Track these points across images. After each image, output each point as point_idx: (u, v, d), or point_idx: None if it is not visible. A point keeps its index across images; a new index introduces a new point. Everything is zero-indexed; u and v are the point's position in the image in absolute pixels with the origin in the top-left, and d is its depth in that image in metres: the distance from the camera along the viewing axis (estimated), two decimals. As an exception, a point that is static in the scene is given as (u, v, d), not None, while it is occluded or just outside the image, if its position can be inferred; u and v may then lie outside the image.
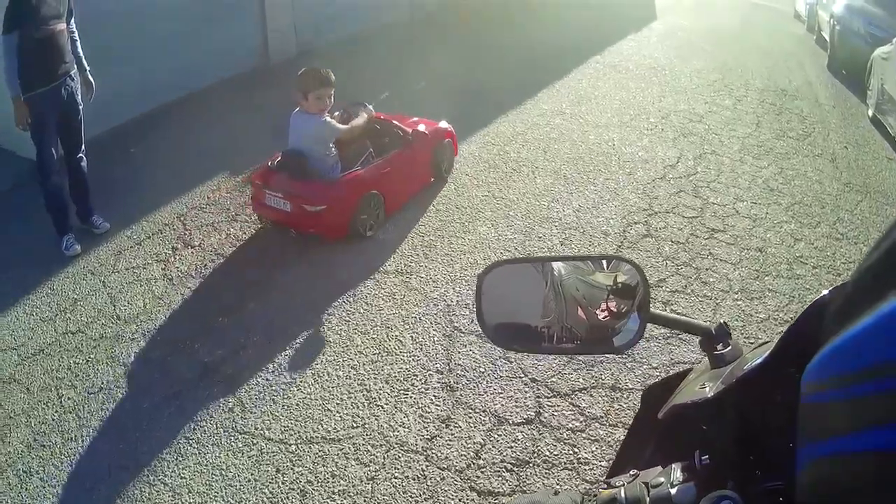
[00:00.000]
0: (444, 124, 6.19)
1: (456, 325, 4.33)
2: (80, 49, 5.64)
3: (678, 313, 4.43)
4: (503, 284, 1.33)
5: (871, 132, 8.62)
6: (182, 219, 5.80)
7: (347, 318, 4.46)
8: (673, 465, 1.07)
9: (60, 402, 4.00)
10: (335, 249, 5.16)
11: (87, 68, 5.68)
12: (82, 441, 3.72)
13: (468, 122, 7.43)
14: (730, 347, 1.22)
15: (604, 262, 1.37)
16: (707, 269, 4.95)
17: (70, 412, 3.91)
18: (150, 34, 7.71)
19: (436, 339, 4.24)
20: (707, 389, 1.09)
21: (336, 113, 5.51)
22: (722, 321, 1.26)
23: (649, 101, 8.63)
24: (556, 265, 1.34)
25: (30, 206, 5.80)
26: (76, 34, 5.61)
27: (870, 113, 9.08)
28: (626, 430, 1.53)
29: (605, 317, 1.30)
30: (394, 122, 5.85)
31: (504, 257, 4.86)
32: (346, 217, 5.24)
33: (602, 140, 7.11)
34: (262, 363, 4.14)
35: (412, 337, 4.26)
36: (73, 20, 5.56)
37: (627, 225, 5.46)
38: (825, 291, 0.85)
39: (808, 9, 16.40)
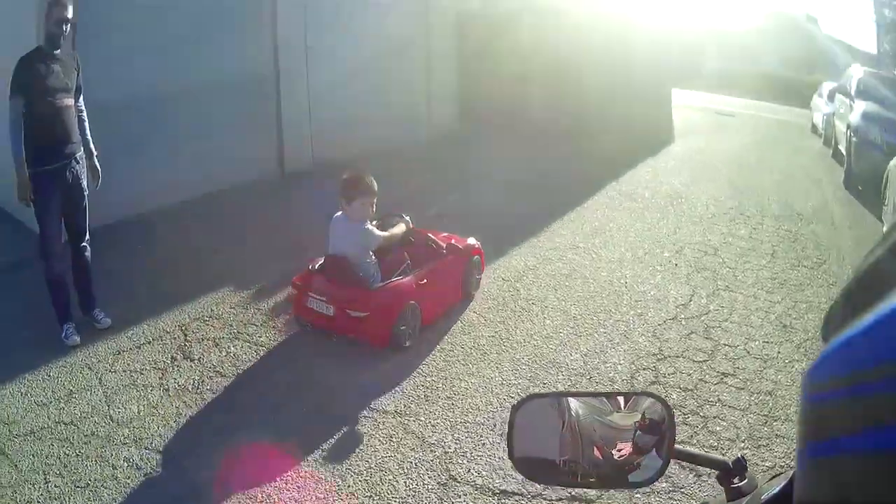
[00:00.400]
0: (472, 241, 6.51)
1: (452, 473, 4.29)
2: (88, 131, 5.61)
3: (696, 448, 4.40)
4: (532, 417, 1.39)
5: (889, 255, 8.61)
6: (184, 329, 5.88)
7: (341, 457, 4.42)
8: None
9: (47, 486, 4.02)
10: (334, 386, 5.18)
11: (95, 153, 5.65)
12: None
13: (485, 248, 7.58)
14: (746, 481, 1.25)
15: (623, 398, 1.42)
16: (715, 417, 4.93)
17: (56, 499, 3.93)
18: (167, 133, 8.03)
19: (430, 486, 4.19)
20: None
21: (374, 221, 5.72)
22: (740, 454, 1.30)
23: (664, 234, 8.75)
24: (573, 403, 1.39)
25: (33, 284, 5.88)
26: (84, 114, 5.60)
27: (885, 230, 9.08)
28: None
29: (622, 455, 1.33)
30: (429, 235, 6.20)
31: (506, 404, 4.92)
32: (389, 325, 5.38)
33: (614, 277, 7.20)
34: (251, 491, 4.11)
35: (406, 483, 4.21)
36: (81, 98, 5.57)
37: (635, 371, 5.47)
38: None
39: (824, 121, 16.59)
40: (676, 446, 1.29)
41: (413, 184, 9.52)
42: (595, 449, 1.34)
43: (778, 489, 0.94)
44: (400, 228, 5.90)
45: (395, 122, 12.01)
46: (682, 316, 6.39)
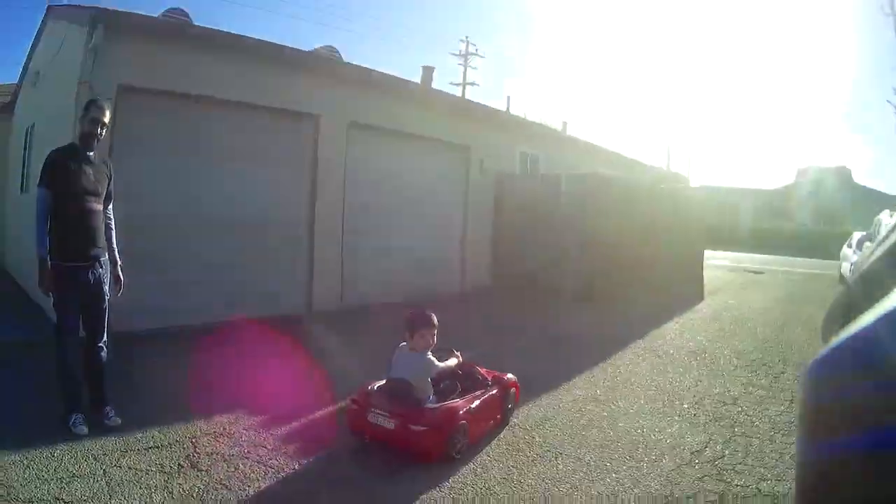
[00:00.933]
0: (510, 376, 7.37)
1: None
2: (114, 240, 5.75)
3: None
4: None
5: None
6: (194, 441, 5.97)
7: None
8: None
9: None
10: None
11: (119, 262, 5.78)
12: None
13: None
14: None
15: None
16: (725, 555, 4.99)
17: None
18: (203, 256, 8.46)
19: None
20: None
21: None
22: None
23: (685, 387, 8.87)
24: None
25: (47, 364, 5.98)
26: (112, 222, 5.74)
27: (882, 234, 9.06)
28: None
29: None
30: (475, 367, 7.16)
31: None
32: (444, 438, 6.01)
33: (631, 427, 7.32)
34: None
35: None
36: (110, 206, 5.70)
37: (645, 512, 5.57)
38: None
39: (852, 269, 16.71)
40: None
41: (441, 334, 9.77)
42: None
43: None
44: (453, 361, 6.80)
45: (430, 271, 12.38)
46: (696, 461, 6.46)
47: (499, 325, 10.60)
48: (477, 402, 6.52)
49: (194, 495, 5.16)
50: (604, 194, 15.18)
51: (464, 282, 13.73)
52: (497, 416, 7.01)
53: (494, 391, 6.93)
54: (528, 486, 5.93)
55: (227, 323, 8.92)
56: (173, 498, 5.08)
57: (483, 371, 7.18)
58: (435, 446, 5.98)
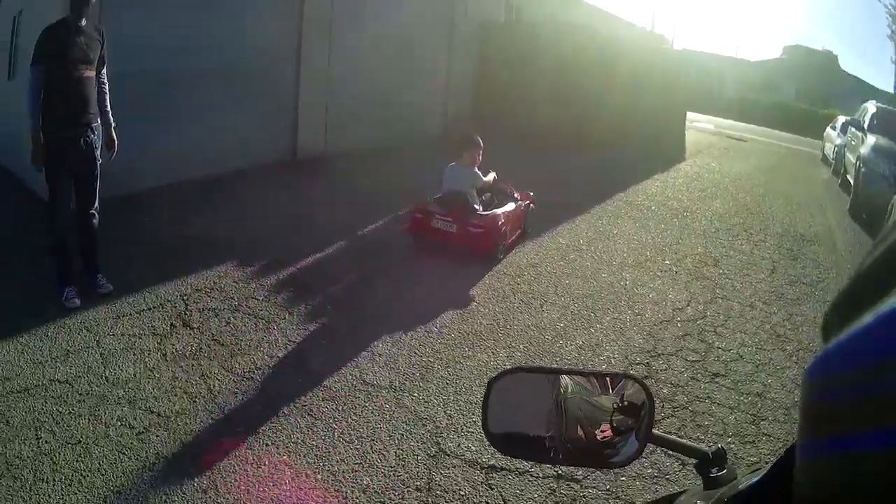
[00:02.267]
0: (530, 193, 8.58)
1: (442, 447, 4.38)
2: (108, 103, 5.73)
3: (678, 435, 4.51)
4: (511, 392, 1.38)
5: (887, 279, 8.73)
6: (185, 298, 5.98)
7: (333, 426, 4.49)
8: None
9: (38, 443, 4.06)
10: (329, 360, 5.28)
11: (113, 124, 5.78)
12: (53, 485, 3.76)
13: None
14: (725, 471, 1.24)
15: (612, 380, 1.42)
16: (703, 413, 5.05)
17: (46, 455, 3.96)
18: (183, 108, 8.17)
19: (419, 457, 4.26)
20: None
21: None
22: (720, 445, 1.32)
23: (667, 243, 8.91)
24: (564, 381, 1.38)
25: (38, 248, 6.04)
26: (106, 86, 5.72)
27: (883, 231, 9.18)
28: None
29: (605, 437, 1.34)
30: (504, 184, 8.25)
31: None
32: (495, 239, 7.38)
33: (615, 279, 7.34)
34: (241, 454, 4.17)
35: (396, 453, 4.29)
36: (104, 70, 5.67)
37: (629, 365, 5.60)
38: None
39: (835, 152, 16.90)
40: (657, 432, 1.30)
41: (421, 174, 9.61)
42: (579, 428, 1.35)
43: (756, 480, 0.93)
44: (491, 176, 7.88)
45: (411, 118, 12.15)
46: (679, 319, 6.53)
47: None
48: (512, 213, 7.79)
49: (187, 355, 5.16)
50: (586, 47, 14.90)
51: (445, 128, 13.42)
52: (522, 226, 8.31)
53: (522, 204, 8.23)
54: (513, 332, 5.94)
55: (213, 177, 8.65)
56: (167, 360, 5.08)
57: (511, 188, 8.32)
58: (488, 244, 7.35)
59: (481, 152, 7.70)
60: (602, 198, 10.86)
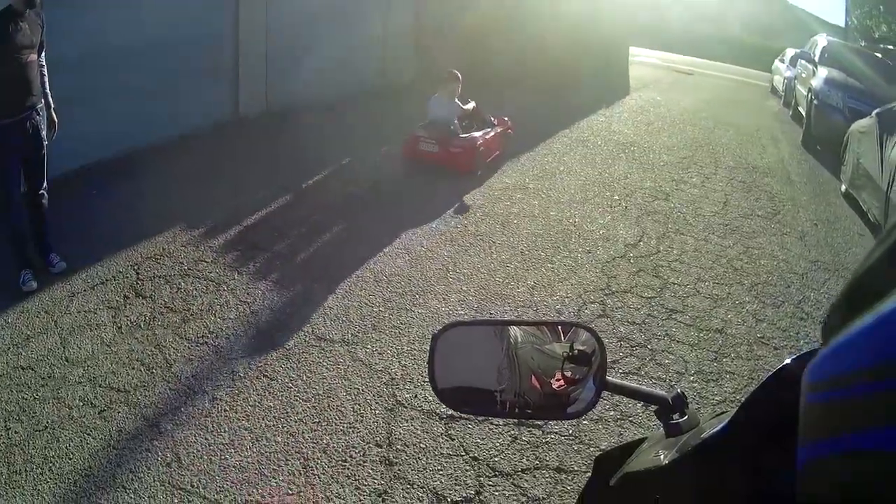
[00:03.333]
0: (507, 119, 9.84)
1: (398, 398, 4.36)
2: (47, 84, 5.85)
3: (642, 381, 4.51)
4: (459, 346, 1.36)
5: (843, 208, 8.88)
6: (136, 268, 5.87)
7: (290, 385, 4.46)
8: None
9: (7, 433, 3.99)
10: (280, 317, 5.21)
11: (53, 105, 5.88)
12: (26, 476, 3.70)
13: (430, 194, 7.69)
14: (686, 417, 1.23)
15: (561, 328, 1.40)
16: (663, 351, 5.03)
17: (16, 446, 3.90)
18: (120, 81, 7.98)
19: (377, 411, 4.25)
20: (662, 457, 1.12)
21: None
22: (679, 391, 1.29)
23: (615, 178, 8.88)
24: (514, 332, 1.37)
25: None
26: (45, 68, 5.81)
27: (843, 188, 9.37)
28: (578, 497, 1.55)
29: (560, 386, 1.32)
30: (482, 112, 9.43)
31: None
32: (473, 157, 8.55)
33: (563, 217, 7.27)
34: (202, 421, 4.14)
35: (353, 408, 4.26)
36: (43, 53, 5.78)
37: (583, 304, 5.55)
38: (788, 360, 0.87)
39: (785, 84, 17.16)
40: (613, 380, 1.29)
41: (366, 129, 10.09)
42: (532, 378, 1.33)
43: (719, 428, 0.93)
44: (470, 106, 9.11)
45: (350, 71, 12.09)
46: (632, 255, 6.49)
47: (416, 116, 10.17)
48: (489, 136, 9.03)
49: (142, 325, 5.08)
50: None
51: (385, 79, 13.28)
52: (499, 148, 9.41)
53: (499, 129, 9.42)
54: (464, 276, 5.84)
55: (154, 146, 8.42)
56: (122, 333, 4.99)
57: (490, 116, 9.53)
58: (466, 162, 8.52)
59: (460, 85, 8.83)
60: (546, 135, 10.80)
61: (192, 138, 8.88)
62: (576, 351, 1.33)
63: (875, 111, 8.88)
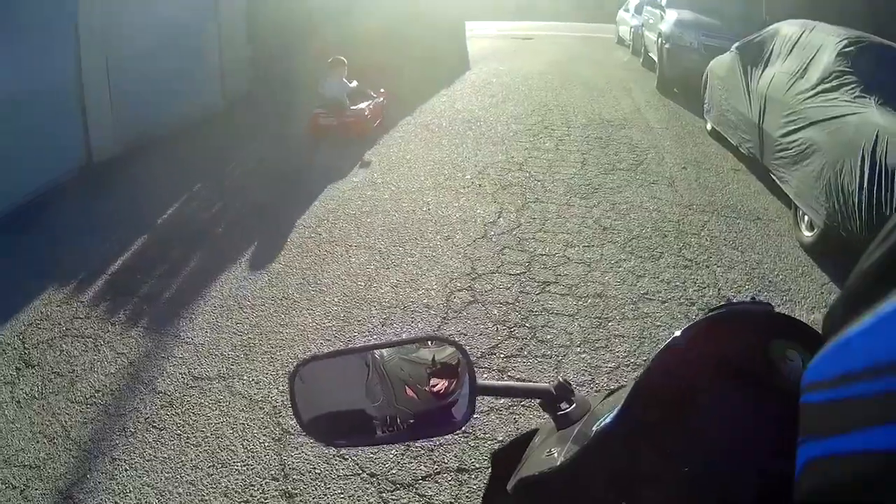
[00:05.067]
0: (383, 90, 11.84)
1: (284, 427, 4.32)
2: None
3: (515, 380, 4.50)
4: (320, 378, 1.33)
5: (711, 147, 9.21)
6: (21, 337, 5.67)
7: (178, 432, 4.38)
8: None
9: None
10: (155, 362, 5.13)
11: None
12: None
13: (280, 208, 7.54)
14: (574, 405, 1.22)
15: (419, 344, 1.42)
16: (543, 327, 5.04)
17: None
18: None
19: (266, 444, 4.20)
20: (555, 455, 1.09)
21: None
22: (562, 378, 1.27)
23: (464, 158, 8.96)
24: (377, 352, 1.35)
25: None
26: None
27: (709, 127, 9.71)
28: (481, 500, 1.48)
29: (438, 390, 1.31)
30: (368, 89, 11.45)
31: (322, 348, 4.87)
32: (364, 124, 10.53)
33: (417, 206, 7.25)
34: (108, 485, 4.04)
35: (243, 445, 4.21)
36: None
37: (450, 293, 5.52)
38: (678, 333, 0.88)
39: (632, 32, 17.79)
40: (485, 383, 1.28)
41: (220, 150, 10.12)
42: (406, 389, 1.32)
43: (616, 411, 0.93)
44: (354, 84, 10.99)
45: (192, 96, 11.97)
46: (492, 233, 6.52)
47: (260, 129, 10.10)
48: (373, 106, 11.06)
49: (36, 395, 4.92)
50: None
51: (225, 98, 13.20)
52: (381, 116, 11.33)
53: (380, 100, 11.51)
54: (325, 286, 5.75)
55: (11, 207, 8.01)
56: (21, 406, 4.83)
57: (371, 91, 11.49)
58: (361, 129, 10.45)
59: (346, 68, 10.79)
60: (389, 125, 10.96)
61: (52, 191, 8.53)
62: (440, 364, 1.32)
63: (734, 45, 9.22)
